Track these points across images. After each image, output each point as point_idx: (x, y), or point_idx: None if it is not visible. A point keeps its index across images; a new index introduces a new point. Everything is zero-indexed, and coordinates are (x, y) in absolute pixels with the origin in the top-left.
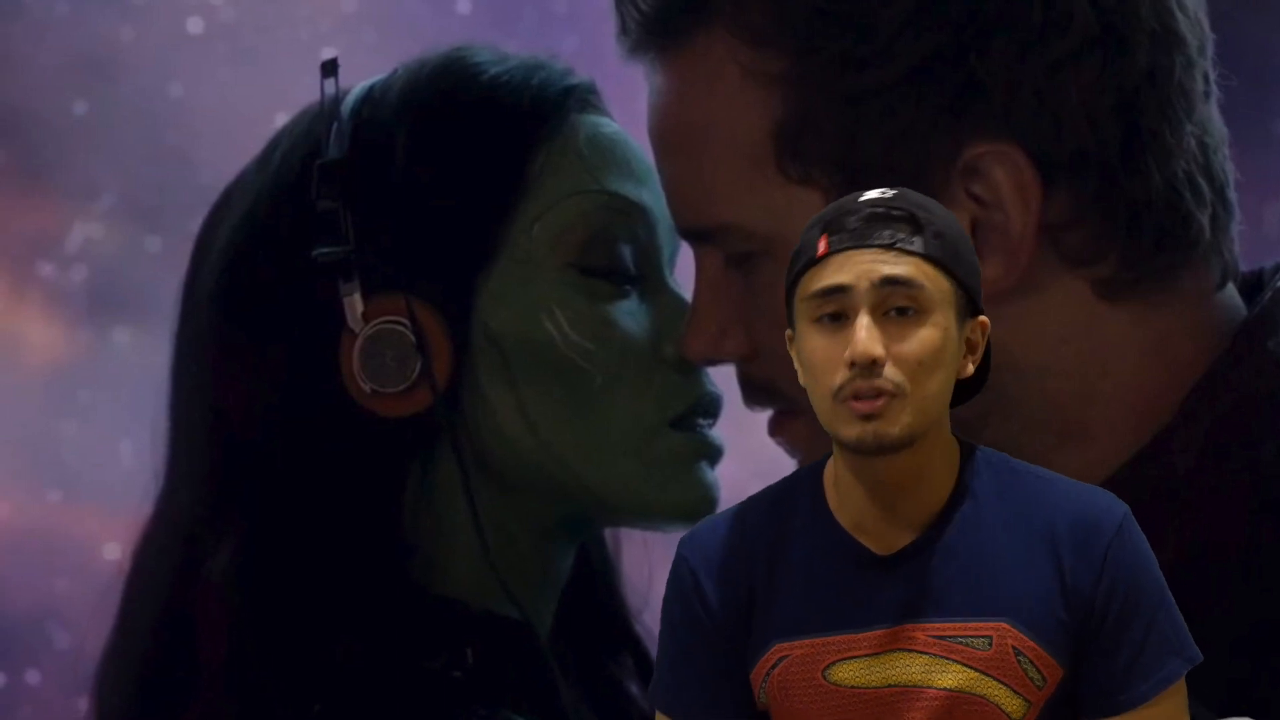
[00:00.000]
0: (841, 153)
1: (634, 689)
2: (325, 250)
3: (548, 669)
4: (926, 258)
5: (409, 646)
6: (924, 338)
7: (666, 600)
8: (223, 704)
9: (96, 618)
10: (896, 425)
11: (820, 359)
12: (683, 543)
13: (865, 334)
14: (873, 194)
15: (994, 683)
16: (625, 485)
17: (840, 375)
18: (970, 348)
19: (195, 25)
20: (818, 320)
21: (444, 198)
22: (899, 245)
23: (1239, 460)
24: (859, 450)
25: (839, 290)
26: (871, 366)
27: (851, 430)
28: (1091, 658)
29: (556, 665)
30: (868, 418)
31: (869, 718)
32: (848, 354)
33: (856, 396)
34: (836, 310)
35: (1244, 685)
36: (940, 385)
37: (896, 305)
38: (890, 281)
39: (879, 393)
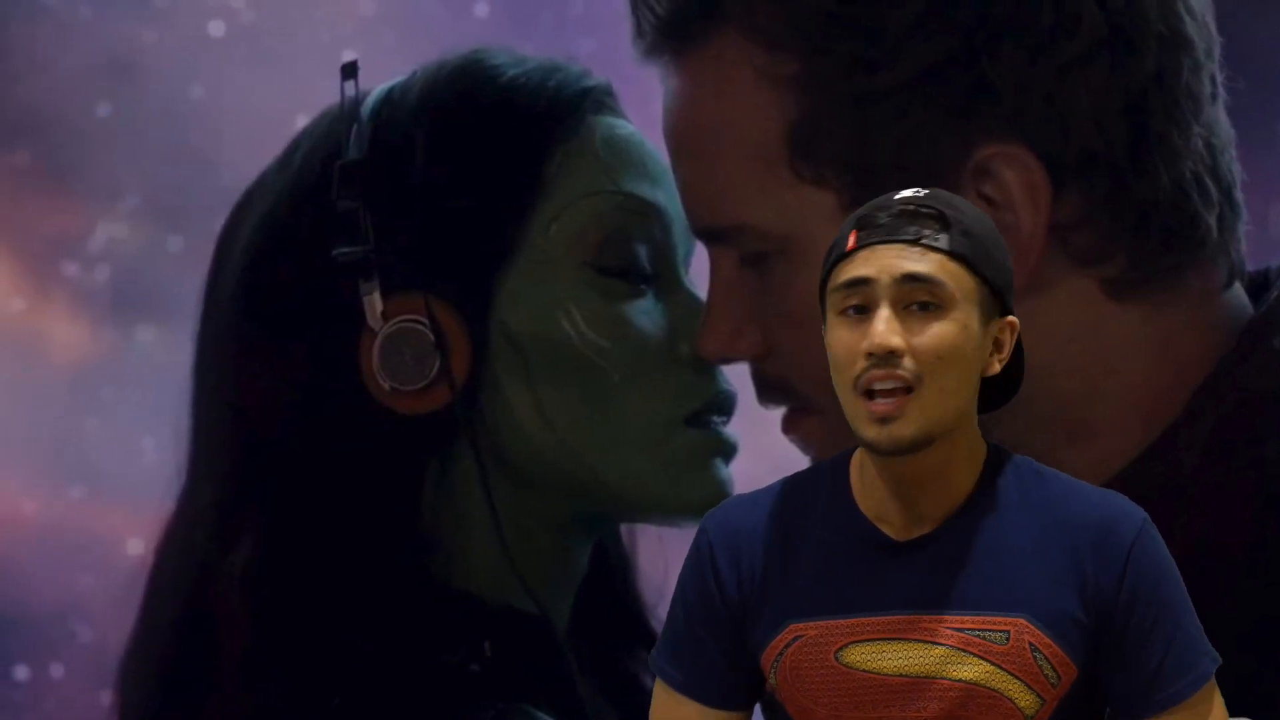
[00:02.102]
0: (853, 154)
1: (649, 683)
2: (345, 250)
3: (565, 663)
4: (951, 254)
5: (427, 641)
6: (942, 332)
7: (683, 572)
8: (243, 697)
9: (119, 612)
10: (911, 427)
11: (842, 350)
12: (707, 518)
13: (883, 325)
14: (906, 193)
15: (1010, 677)
16: (641, 481)
17: (859, 365)
18: (997, 346)
19: (216, 28)
20: (843, 312)
21: (462, 198)
22: (924, 241)
23: (1244, 457)
24: (875, 450)
25: (862, 283)
26: (889, 357)
27: (869, 430)
28: (1121, 659)
29: (573, 659)
30: (884, 420)
31: (879, 704)
32: (865, 344)
33: (870, 390)
34: (860, 303)
35: (1250, 680)
36: (959, 381)
37: (918, 300)
38: (911, 277)
39: (896, 384)
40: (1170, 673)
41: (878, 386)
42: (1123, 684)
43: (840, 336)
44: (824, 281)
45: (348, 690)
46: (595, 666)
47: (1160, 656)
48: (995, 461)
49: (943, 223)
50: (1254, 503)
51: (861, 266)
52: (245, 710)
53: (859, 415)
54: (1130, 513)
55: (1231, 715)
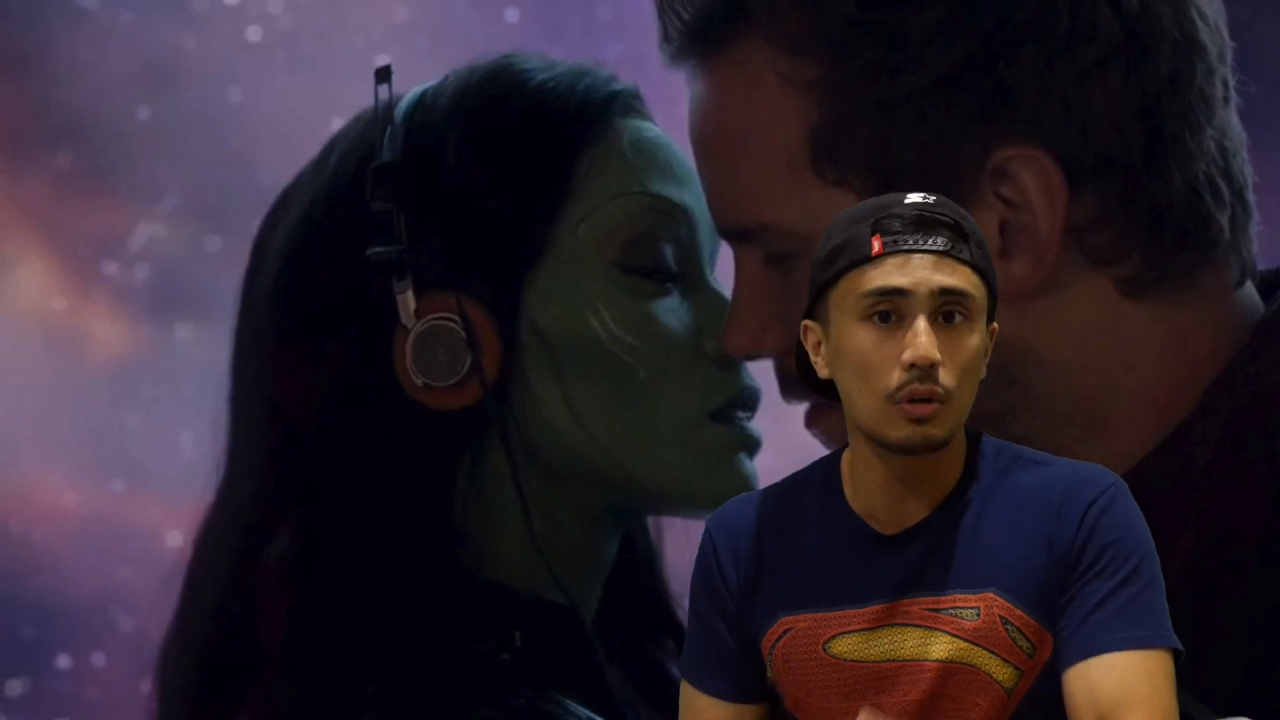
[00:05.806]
0: (875, 157)
1: (676, 671)
2: (379, 250)
3: (593, 652)
4: (973, 266)
5: (459, 630)
6: (971, 345)
7: (693, 574)
8: (281, 685)
9: (159, 603)
10: (942, 429)
11: (873, 359)
12: (710, 519)
13: (926, 339)
14: (915, 197)
15: (983, 652)
16: (668, 475)
17: (896, 376)
18: (985, 352)
19: (255, 34)
20: (868, 318)
21: (493, 199)
22: (953, 253)
23: (1256, 451)
24: (904, 450)
25: (897, 293)
26: (930, 370)
27: (901, 431)
28: (1066, 607)
29: (601, 648)
30: (919, 420)
31: (868, 691)
32: (908, 356)
33: (914, 399)
34: (890, 310)
35: (1261, 668)
36: (974, 389)
37: (947, 311)
38: (947, 291)
39: (933, 395)
40: (1107, 625)
41: (919, 398)
42: (1063, 632)
43: (867, 343)
44: (830, 282)
45: (382, 679)
46: (623, 655)
47: (1102, 609)
48: (975, 448)
49: (961, 233)
50: (1266, 495)
51: (895, 275)
52: (282, 698)
53: (890, 417)
54: (1097, 477)
55: (1241, 704)
